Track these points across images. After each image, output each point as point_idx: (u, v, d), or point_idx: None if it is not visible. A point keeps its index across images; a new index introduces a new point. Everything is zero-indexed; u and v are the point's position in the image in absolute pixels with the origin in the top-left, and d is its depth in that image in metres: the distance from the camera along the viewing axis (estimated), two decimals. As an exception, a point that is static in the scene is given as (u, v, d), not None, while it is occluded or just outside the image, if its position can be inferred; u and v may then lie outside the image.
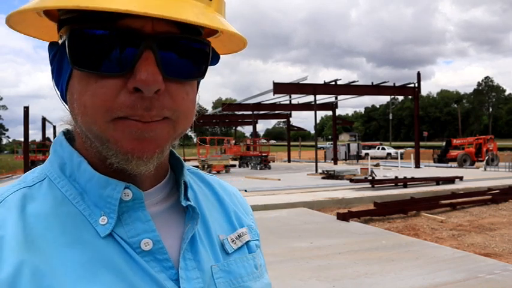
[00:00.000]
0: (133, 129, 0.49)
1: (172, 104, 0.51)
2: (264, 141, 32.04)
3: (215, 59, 0.60)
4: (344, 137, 42.37)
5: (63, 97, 0.56)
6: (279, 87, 21.12)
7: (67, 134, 0.60)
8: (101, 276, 0.50)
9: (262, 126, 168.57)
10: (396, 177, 14.83)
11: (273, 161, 33.50)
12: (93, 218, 0.53)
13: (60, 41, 0.53)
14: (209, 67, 0.56)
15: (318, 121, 24.57)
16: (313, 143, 36.60)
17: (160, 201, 0.60)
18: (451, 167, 24.25)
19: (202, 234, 0.61)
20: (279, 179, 16.42)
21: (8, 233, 0.49)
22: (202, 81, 0.61)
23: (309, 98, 26.55)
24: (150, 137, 0.50)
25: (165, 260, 0.54)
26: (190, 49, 0.52)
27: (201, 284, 0.56)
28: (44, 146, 30.13)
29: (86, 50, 0.48)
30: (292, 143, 40.70)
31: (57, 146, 0.59)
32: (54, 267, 0.48)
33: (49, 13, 0.53)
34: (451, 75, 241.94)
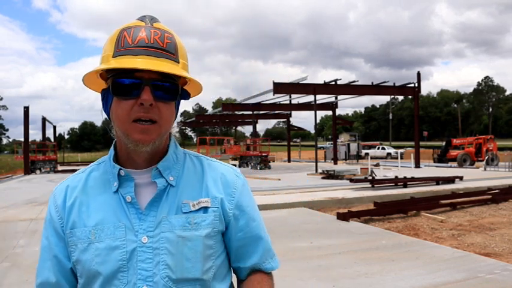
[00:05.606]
0: (139, 127, 0.98)
1: (158, 112, 0.99)
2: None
3: (187, 96, 1.10)
4: (344, 137, 42.34)
5: (108, 116, 1.04)
6: (279, 87, 21.11)
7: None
8: (107, 211, 1.03)
9: (262, 126, 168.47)
10: (396, 177, 14.83)
11: (273, 161, 33.48)
12: (112, 183, 1.05)
13: (107, 86, 1.02)
14: (184, 101, 1.10)
15: (318, 121, 24.56)
16: (313, 143, 36.55)
17: (151, 177, 1.05)
18: (451, 166, 24.27)
19: (170, 197, 1.04)
20: (279, 179, 16.44)
21: (79, 185, 1.09)
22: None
23: (309, 98, 26.55)
24: (148, 132, 0.98)
25: (138, 208, 1.02)
26: (165, 86, 0.99)
27: (153, 224, 1.01)
28: (44, 146, 29.96)
29: (119, 88, 0.98)
30: (292, 143, 40.68)
31: (112, 144, 1.08)
32: (89, 202, 1.05)
33: (102, 76, 1.03)
34: (449, 76, 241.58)
